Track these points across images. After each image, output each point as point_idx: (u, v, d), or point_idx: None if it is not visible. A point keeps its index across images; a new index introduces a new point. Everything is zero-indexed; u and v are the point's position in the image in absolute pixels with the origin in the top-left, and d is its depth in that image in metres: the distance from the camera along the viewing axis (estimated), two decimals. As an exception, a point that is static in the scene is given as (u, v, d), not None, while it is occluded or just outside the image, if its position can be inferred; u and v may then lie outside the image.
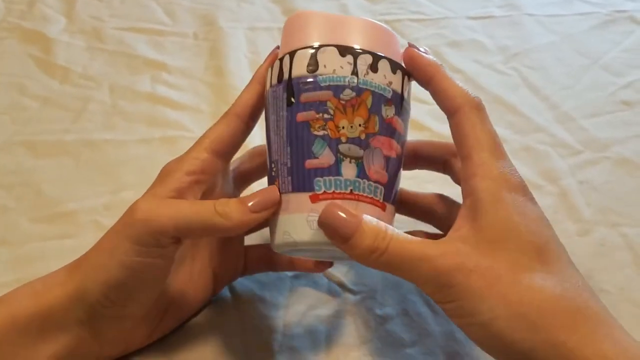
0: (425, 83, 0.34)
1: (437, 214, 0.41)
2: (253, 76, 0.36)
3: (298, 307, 0.42)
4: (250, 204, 0.31)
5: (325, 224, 0.30)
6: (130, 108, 0.59)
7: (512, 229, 0.29)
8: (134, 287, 0.33)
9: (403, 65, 0.34)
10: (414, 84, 0.35)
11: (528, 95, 0.61)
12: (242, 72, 0.63)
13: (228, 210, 0.30)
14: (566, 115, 0.59)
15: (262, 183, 0.37)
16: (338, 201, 0.31)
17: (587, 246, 0.46)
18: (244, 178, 0.41)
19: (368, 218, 0.30)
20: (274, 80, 0.34)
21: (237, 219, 0.31)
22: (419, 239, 0.30)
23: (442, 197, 0.41)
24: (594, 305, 0.29)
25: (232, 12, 0.73)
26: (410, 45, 0.34)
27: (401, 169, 0.34)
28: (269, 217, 0.32)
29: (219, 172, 0.36)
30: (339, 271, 0.44)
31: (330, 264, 0.40)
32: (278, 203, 0.32)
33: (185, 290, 0.39)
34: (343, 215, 0.29)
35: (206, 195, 0.36)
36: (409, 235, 0.30)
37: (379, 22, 0.34)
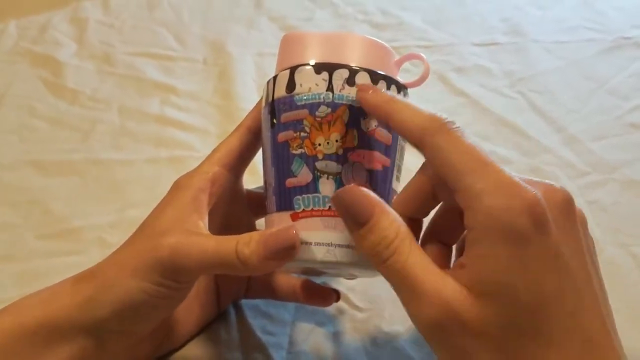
0: (386, 124, 0.30)
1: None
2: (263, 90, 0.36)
3: (304, 323, 0.41)
4: (268, 251, 0.30)
5: (339, 201, 0.28)
6: (139, 129, 0.59)
7: (501, 286, 0.25)
8: (148, 310, 0.32)
9: (390, 75, 0.33)
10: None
11: (534, 119, 0.61)
12: (249, 95, 0.64)
13: (247, 254, 0.30)
14: (573, 137, 0.59)
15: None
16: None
17: (597, 266, 0.46)
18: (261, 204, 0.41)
19: (391, 216, 0.27)
20: (264, 103, 0.34)
21: (254, 266, 0.30)
22: (426, 262, 0.26)
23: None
24: None
25: (241, 39, 0.75)
26: (359, 89, 0.31)
27: (394, 179, 0.33)
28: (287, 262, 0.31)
29: (230, 185, 0.37)
30: (346, 287, 0.43)
31: (338, 298, 0.39)
32: (296, 248, 0.30)
33: (191, 308, 0.38)
34: (362, 198, 0.27)
35: (217, 207, 0.36)
36: (420, 255, 0.27)
37: (365, 35, 0.34)
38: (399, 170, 0.34)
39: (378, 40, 0.34)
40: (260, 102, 0.36)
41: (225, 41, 0.73)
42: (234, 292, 0.41)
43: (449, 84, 0.66)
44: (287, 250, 0.30)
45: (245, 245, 0.30)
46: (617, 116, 0.61)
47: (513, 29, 0.76)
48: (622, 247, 0.47)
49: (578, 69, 0.69)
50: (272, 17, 0.80)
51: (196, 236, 0.32)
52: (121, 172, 0.54)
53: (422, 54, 0.34)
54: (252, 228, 0.41)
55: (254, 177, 0.43)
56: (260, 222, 0.41)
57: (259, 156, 0.37)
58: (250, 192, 0.40)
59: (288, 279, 0.40)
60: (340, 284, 0.43)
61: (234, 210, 0.39)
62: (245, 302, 0.42)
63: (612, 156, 0.56)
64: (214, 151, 0.36)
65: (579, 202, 0.50)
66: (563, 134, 0.59)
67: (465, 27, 0.77)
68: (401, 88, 0.33)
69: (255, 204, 0.40)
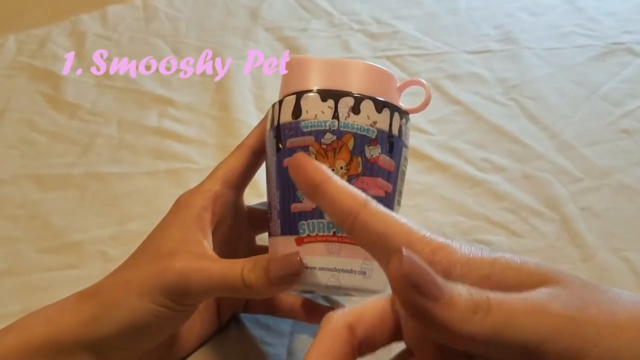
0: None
1: None
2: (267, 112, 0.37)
3: (302, 334, 0.42)
4: (273, 277, 0.30)
5: (405, 284, 0.20)
6: (137, 142, 0.60)
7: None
8: (152, 329, 0.33)
9: (393, 103, 0.34)
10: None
11: (528, 125, 0.62)
12: (247, 106, 0.65)
13: (253, 280, 0.31)
14: (566, 143, 0.59)
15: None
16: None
17: (591, 271, 0.46)
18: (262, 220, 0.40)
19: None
20: (268, 126, 0.35)
21: (259, 290, 0.31)
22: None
23: None
24: None
25: (238, 50, 0.75)
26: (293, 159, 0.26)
27: (396, 204, 0.34)
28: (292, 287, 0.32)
29: (231, 202, 0.37)
30: (343, 298, 0.44)
31: None
32: (300, 274, 0.31)
33: (192, 323, 0.39)
34: (427, 271, 0.20)
35: (219, 224, 0.36)
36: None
37: (369, 63, 0.34)
38: (400, 195, 0.35)
39: (381, 67, 0.35)
40: (262, 122, 0.37)
41: (222, 52, 0.74)
42: (233, 307, 0.42)
43: (443, 92, 0.67)
44: (291, 277, 0.30)
45: (250, 271, 0.31)
46: (609, 122, 0.62)
47: (506, 36, 0.77)
48: (615, 252, 0.48)
49: (570, 75, 0.69)
50: (268, 27, 0.80)
51: (203, 260, 0.32)
52: (120, 185, 0.55)
53: (424, 81, 0.35)
54: (252, 244, 0.42)
55: (255, 191, 0.44)
56: (259, 238, 0.42)
57: (260, 172, 0.38)
58: (250, 209, 0.41)
59: (287, 296, 0.41)
60: (337, 296, 0.44)
61: (235, 226, 0.39)
62: (244, 314, 0.43)
63: (605, 162, 0.57)
64: (216, 169, 0.37)
65: (572, 209, 0.51)
66: (556, 140, 0.60)
67: (458, 35, 0.77)
68: (403, 114, 0.34)
69: (256, 220, 0.40)
